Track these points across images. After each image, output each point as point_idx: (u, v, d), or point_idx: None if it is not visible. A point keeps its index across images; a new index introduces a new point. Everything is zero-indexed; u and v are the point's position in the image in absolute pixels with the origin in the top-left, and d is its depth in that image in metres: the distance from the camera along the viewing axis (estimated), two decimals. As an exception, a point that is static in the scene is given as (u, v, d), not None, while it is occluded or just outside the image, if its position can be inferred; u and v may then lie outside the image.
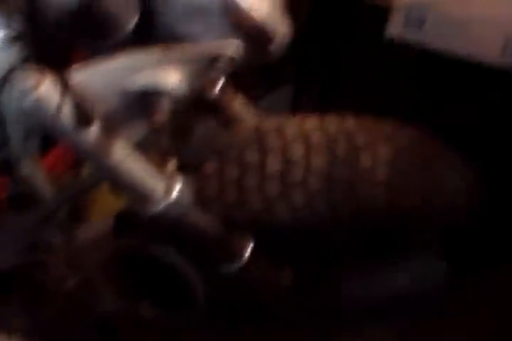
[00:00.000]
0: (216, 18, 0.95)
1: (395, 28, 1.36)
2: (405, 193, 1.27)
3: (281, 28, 1.00)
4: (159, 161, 1.06)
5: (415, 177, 1.28)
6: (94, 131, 0.93)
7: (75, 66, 0.93)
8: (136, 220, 1.14)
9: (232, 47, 0.96)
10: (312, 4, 1.52)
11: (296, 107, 1.74)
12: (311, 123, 1.27)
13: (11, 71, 0.89)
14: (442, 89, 1.53)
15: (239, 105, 1.31)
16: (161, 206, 1.02)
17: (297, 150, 1.23)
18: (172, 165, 1.06)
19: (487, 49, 1.34)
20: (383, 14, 1.39)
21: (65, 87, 0.91)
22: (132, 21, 0.94)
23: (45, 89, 0.88)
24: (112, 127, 0.96)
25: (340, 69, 1.61)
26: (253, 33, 0.97)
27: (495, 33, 1.32)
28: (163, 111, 0.95)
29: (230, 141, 1.23)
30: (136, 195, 1.02)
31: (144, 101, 0.96)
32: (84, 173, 1.09)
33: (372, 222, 1.26)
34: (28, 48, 0.90)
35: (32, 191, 1.07)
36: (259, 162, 1.23)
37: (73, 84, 0.92)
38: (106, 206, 1.18)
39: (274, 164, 1.22)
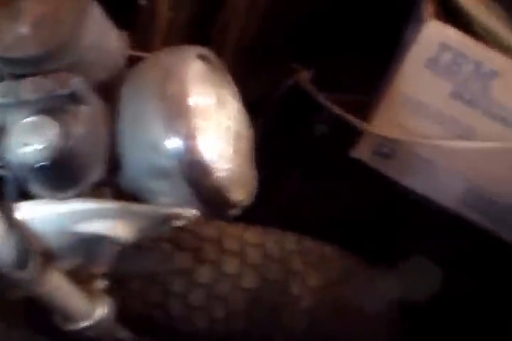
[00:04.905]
0: (178, 181, 0.92)
1: (363, 152, 1.33)
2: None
3: (241, 193, 0.99)
4: (88, 280, 1.06)
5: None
6: (30, 269, 0.92)
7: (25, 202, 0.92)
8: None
9: (190, 210, 0.95)
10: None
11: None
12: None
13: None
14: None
15: None
16: (81, 326, 1.04)
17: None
18: (100, 284, 1.06)
19: (448, 194, 1.34)
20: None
21: (9, 221, 0.90)
22: (98, 175, 0.91)
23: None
24: (49, 261, 0.95)
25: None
26: (212, 198, 0.95)
27: (457, 181, 1.32)
28: (105, 261, 0.95)
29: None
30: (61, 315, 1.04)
31: (88, 247, 0.95)
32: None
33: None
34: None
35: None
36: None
37: (19, 220, 0.91)
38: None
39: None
